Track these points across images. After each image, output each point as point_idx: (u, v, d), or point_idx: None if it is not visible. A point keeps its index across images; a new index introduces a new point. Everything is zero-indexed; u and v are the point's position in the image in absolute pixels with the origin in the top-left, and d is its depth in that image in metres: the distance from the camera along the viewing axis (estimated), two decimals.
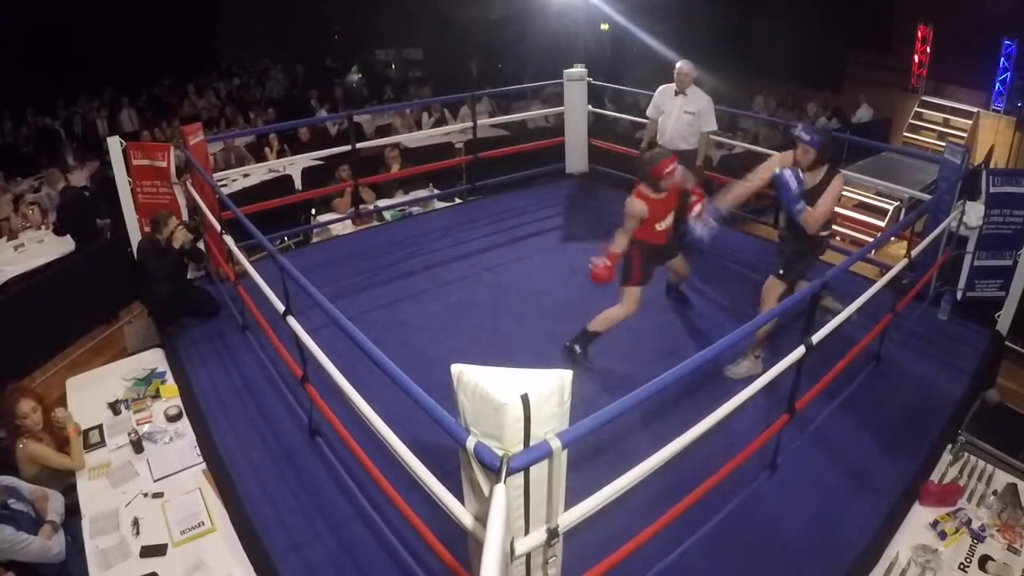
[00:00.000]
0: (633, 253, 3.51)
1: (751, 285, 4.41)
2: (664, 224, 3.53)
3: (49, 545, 2.67)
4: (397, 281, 4.66)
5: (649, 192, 3.40)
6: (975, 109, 9.45)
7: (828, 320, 2.78)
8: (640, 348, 3.82)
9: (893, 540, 2.62)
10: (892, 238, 5.61)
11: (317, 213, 6.11)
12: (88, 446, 3.24)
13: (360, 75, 13.10)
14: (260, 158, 7.84)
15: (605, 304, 3.84)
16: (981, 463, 3.02)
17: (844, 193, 7.62)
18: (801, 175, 3.22)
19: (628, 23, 11.42)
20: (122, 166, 4.35)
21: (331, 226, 5.77)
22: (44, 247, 6.31)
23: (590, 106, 6.18)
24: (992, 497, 2.82)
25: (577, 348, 3.64)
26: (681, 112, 4.76)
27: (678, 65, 4.78)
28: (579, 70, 5.99)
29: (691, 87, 4.78)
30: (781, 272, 3.48)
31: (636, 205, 3.38)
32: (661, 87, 4.93)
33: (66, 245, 6.37)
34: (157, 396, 3.59)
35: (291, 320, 2.89)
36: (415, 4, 13.66)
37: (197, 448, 3.20)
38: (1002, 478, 2.94)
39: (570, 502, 1.79)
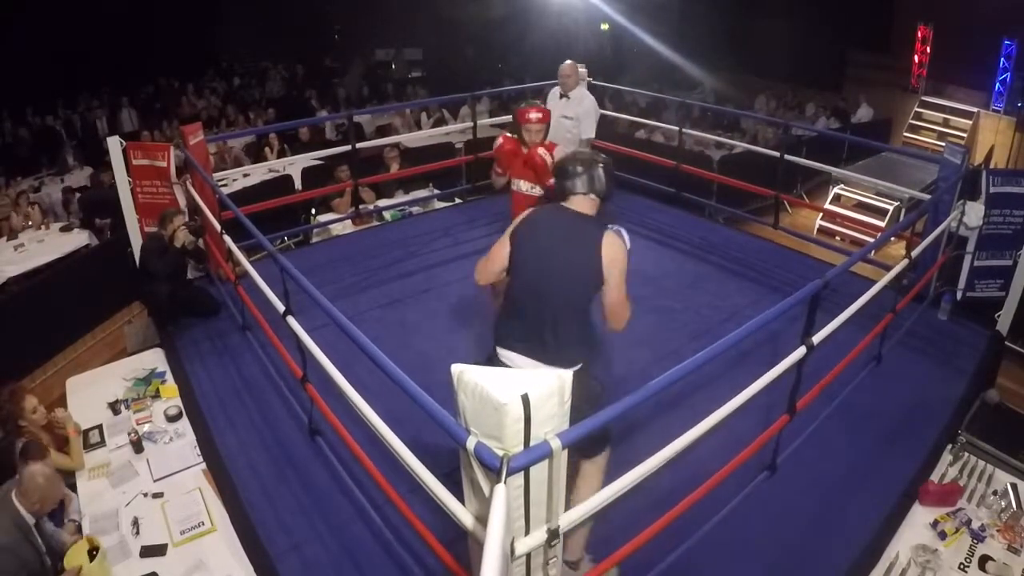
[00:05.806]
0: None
1: (751, 285, 4.42)
2: (523, 186, 3.61)
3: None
4: (397, 281, 4.66)
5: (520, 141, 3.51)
6: (975, 109, 9.47)
7: None
8: (640, 348, 3.82)
9: (893, 540, 2.62)
10: (892, 238, 5.61)
11: (317, 213, 6.11)
12: (88, 446, 3.24)
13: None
14: (260, 158, 7.83)
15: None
16: (981, 463, 3.02)
17: (844, 193, 7.69)
18: None
19: (628, 23, 11.44)
20: (122, 166, 4.35)
21: (331, 226, 5.77)
22: (44, 247, 6.32)
23: None
24: (992, 497, 2.82)
25: None
26: (560, 117, 4.31)
27: (561, 66, 4.42)
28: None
29: (577, 89, 4.44)
30: None
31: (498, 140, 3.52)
32: (552, 89, 4.63)
33: (77, 240, 6.41)
34: (157, 396, 3.58)
35: (291, 320, 2.88)
36: (415, 4, 13.66)
37: (197, 448, 3.20)
38: (1002, 478, 2.94)
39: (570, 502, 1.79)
